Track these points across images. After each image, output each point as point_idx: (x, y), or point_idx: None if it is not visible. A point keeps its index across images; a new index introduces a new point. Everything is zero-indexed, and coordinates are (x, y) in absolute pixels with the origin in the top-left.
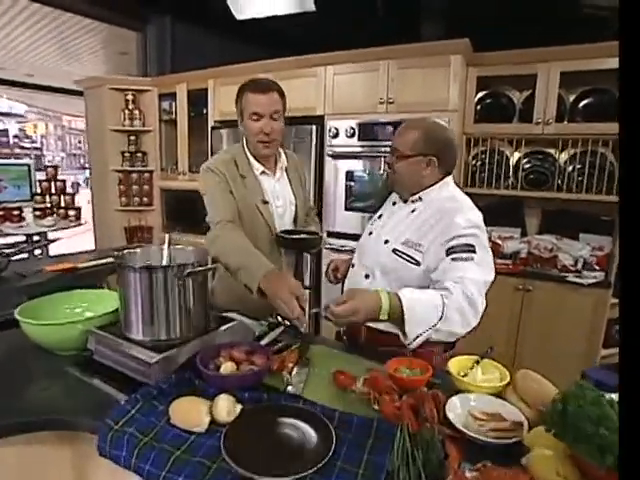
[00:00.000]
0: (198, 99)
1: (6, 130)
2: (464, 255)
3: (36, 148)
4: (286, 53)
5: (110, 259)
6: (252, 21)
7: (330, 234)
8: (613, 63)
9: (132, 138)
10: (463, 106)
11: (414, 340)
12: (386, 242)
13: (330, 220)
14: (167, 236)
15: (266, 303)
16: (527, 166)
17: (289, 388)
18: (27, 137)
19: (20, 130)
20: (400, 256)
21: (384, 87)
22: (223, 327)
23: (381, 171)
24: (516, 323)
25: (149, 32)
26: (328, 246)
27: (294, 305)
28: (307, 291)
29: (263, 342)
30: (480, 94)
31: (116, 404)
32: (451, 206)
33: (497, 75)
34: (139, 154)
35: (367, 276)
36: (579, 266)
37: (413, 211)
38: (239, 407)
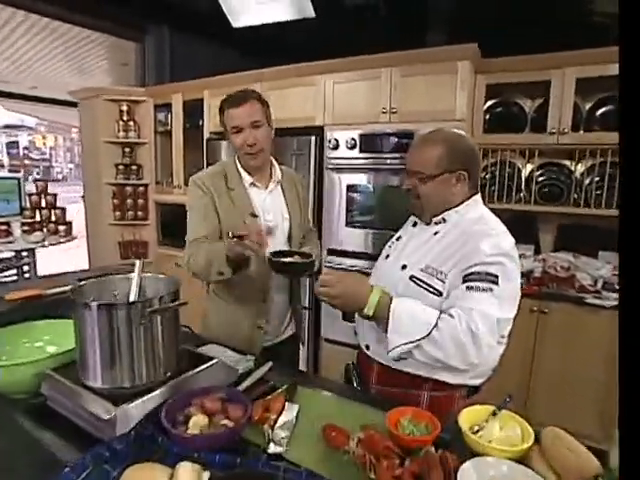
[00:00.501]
0: (194, 110)
1: (16, 142)
2: (482, 285)
3: (45, 159)
4: (284, 61)
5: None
6: (249, 29)
7: (330, 252)
8: None
9: (127, 150)
10: (471, 115)
11: (393, 349)
12: (404, 267)
13: (330, 237)
14: (138, 263)
15: (255, 334)
16: (541, 179)
17: (270, 446)
18: (37, 149)
19: (30, 142)
20: (419, 284)
21: (386, 96)
22: (198, 369)
23: (391, 183)
24: (531, 348)
25: (147, 42)
26: (327, 264)
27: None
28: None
29: (245, 384)
30: (489, 102)
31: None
32: (478, 229)
33: (507, 82)
34: (134, 167)
35: None
36: (598, 286)
37: (436, 234)
38: (206, 477)
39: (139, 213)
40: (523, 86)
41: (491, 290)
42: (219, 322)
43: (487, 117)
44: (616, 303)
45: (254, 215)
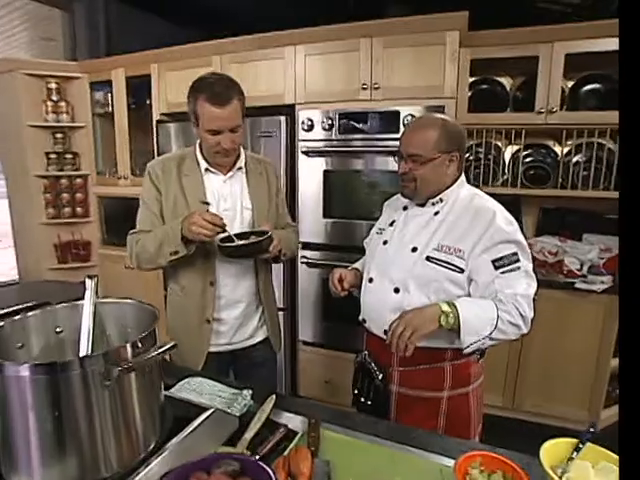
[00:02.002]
0: (139, 88)
1: None
2: (512, 266)
3: None
4: (246, 32)
5: None
6: None
7: (306, 246)
8: (614, 44)
9: (59, 136)
10: (456, 93)
11: (468, 346)
12: (414, 250)
13: (305, 229)
14: (89, 282)
15: (204, 330)
16: (528, 160)
17: None
18: None
19: None
20: (438, 264)
21: (367, 70)
22: (189, 429)
23: (361, 167)
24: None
25: (77, 11)
26: (304, 260)
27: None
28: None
29: (251, 433)
30: (471, 80)
31: None
32: (483, 205)
33: (493, 58)
34: (69, 155)
35: (397, 290)
36: (584, 270)
37: (436, 214)
38: None
39: (78, 209)
40: (508, 62)
41: (519, 268)
42: (173, 317)
43: (470, 95)
44: (606, 287)
45: (205, 203)
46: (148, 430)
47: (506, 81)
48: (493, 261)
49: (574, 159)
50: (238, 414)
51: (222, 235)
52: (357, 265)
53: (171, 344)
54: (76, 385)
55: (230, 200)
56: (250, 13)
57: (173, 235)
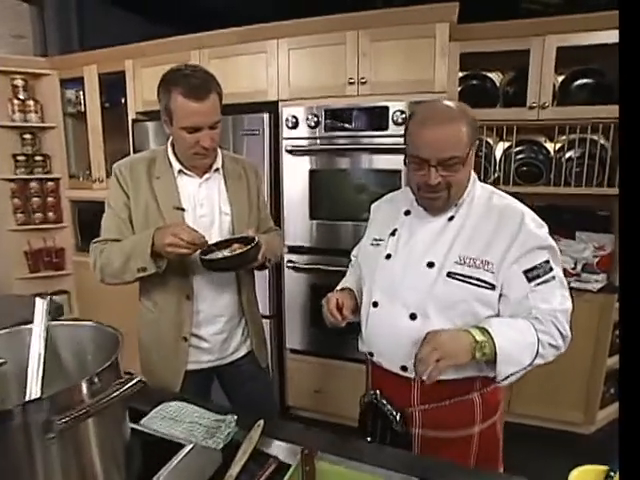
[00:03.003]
0: (113, 85)
1: None
2: (546, 276)
3: None
4: (226, 25)
5: None
6: None
7: (292, 249)
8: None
9: (27, 137)
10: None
11: (505, 378)
12: (430, 265)
13: (291, 232)
14: (41, 303)
15: (180, 348)
16: (519, 157)
17: None
18: None
19: None
20: (464, 280)
21: (353, 64)
22: (160, 477)
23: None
24: None
25: (47, 6)
26: (290, 264)
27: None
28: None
29: (236, 470)
30: (460, 74)
31: None
32: (507, 205)
33: (483, 52)
34: (39, 157)
35: (413, 316)
36: (579, 269)
37: (451, 219)
38: None
39: (49, 214)
40: (499, 57)
41: (554, 278)
42: (146, 335)
43: (459, 90)
44: (600, 286)
45: (180, 209)
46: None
47: (496, 76)
48: (525, 272)
49: (566, 155)
50: (221, 446)
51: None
52: (347, 284)
53: (136, 380)
54: (15, 438)
55: (207, 205)
56: (231, 6)
57: (141, 249)
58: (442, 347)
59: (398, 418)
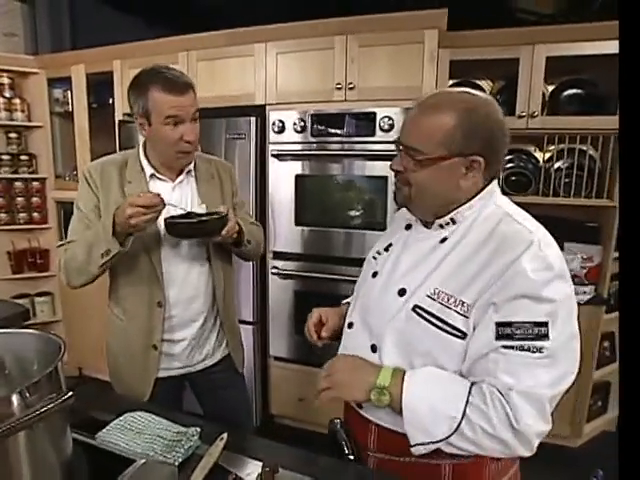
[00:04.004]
0: (101, 85)
1: None
2: (525, 343)
3: None
4: (214, 27)
5: None
6: None
7: (277, 255)
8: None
9: (13, 136)
10: None
11: (415, 446)
12: (401, 293)
13: (277, 238)
14: None
15: (150, 357)
16: (508, 166)
17: None
18: None
19: None
20: (427, 320)
21: (341, 69)
22: None
23: (336, 173)
24: None
25: (39, 4)
26: (275, 271)
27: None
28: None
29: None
30: (450, 82)
31: None
32: (508, 230)
33: (472, 60)
34: (24, 157)
35: (374, 348)
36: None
37: (443, 240)
38: None
39: (34, 214)
40: (488, 65)
41: (540, 351)
42: (114, 343)
43: None
44: (588, 298)
45: None
46: None
47: (486, 84)
48: (498, 325)
49: (555, 165)
50: (180, 460)
51: (174, 213)
52: (351, 299)
53: (69, 394)
54: None
55: (180, 210)
56: (220, 9)
57: (104, 232)
58: (335, 375)
59: (352, 458)
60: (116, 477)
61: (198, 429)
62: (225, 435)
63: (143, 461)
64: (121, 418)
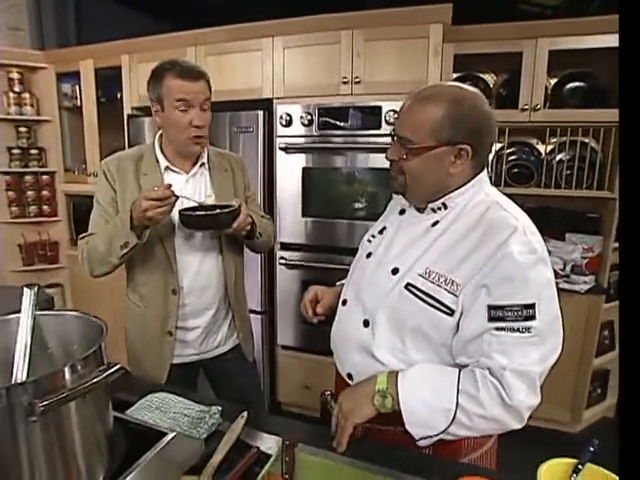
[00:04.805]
0: (109, 80)
1: None
2: (516, 325)
3: None
4: (221, 22)
5: None
6: None
7: (284, 246)
8: (599, 41)
9: (23, 130)
10: None
11: (420, 440)
12: (395, 272)
13: (284, 229)
14: (28, 292)
15: (165, 343)
16: (511, 158)
17: None
18: None
19: None
20: (420, 297)
21: (348, 63)
22: (141, 463)
23: (348, 165)
24: None
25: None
26: (283, 261)
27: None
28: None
29: (218, 457)
30: (454, 76)
31: None
32: (495, 217)
33: (476, 53)
34: (34, 151)
35: (366, 323)
36: (567, 270)
37: (435, 224)
38: None
39: (44, 208)
40: (492, 59)
41: (529, 331)
42: (132, 329)
43: None
44: (588, 287)
45: None
46: (94, 464)
47: (489, 78)
48: (490, 307)
49: (557, 158)
50: (205, 436)
51: (187, 205)
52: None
53: (117, 367)
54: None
55: (193, 201)
56: (227, 4)
57: (122, 225)
58: (342, 408)
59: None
60: (149, 448)
61: (219, 408)
62: (245, 413)
63: (174, 434)
64: (146, 398)
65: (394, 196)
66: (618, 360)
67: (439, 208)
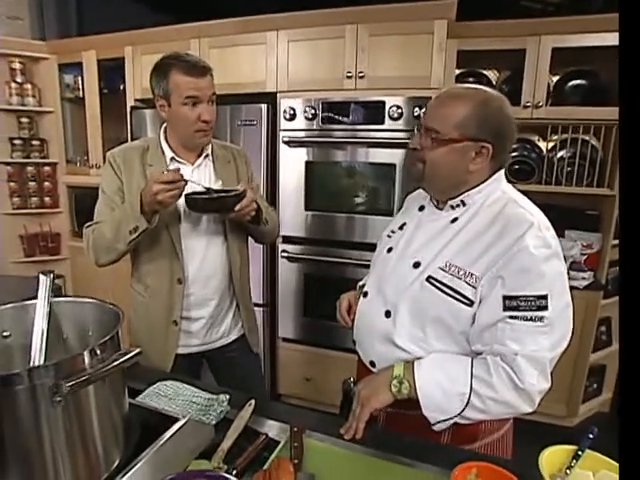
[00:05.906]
0: (112, 71)
1: None
2: (530, 314)
3: None
4: (226, 15)
5: None
6: None
7: (286, 240)
8: (602, 39)
9: (24, 121)
10: (443, 85)
11: (436, 424)
12: (416, 266)
13: (286, 222)
14: (44, 279)
15: (170, 333)
16: (512, 155)
17: None
18: None
19: None
20: (441, 289)
21: (352, 58)
22: (155, 447)
23: (362, 160)
24: None
25: None
26: (285, 254)
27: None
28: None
29: (227, 443)
30: (457, 72)
31: None
32: (512, 213)
33: (479, 50)
34: (36, 142)
35: (388, 313)
36: (566, 266)
37: (454, 221)
38: None
39: (46, 199)
40: (495, 55)
41: (541, 320)
42: (137, 319)
43: None
44: (587, 283)
45: None
46: (110, 447)
47: (492, 74)
48: (505, 298)
49: (558, 155)
50: (214, 422)
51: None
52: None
53: (136, 351)
54: (22, 402)
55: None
56: None
57: (132, 210)
58: (360, 393)
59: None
60: (162, 433)
61: (228, 395)
62: (253, 401)
63: (186, 419)
64: (155, 386)
65: (414, 193)
66: (617, 355)
67: (457, 205)
